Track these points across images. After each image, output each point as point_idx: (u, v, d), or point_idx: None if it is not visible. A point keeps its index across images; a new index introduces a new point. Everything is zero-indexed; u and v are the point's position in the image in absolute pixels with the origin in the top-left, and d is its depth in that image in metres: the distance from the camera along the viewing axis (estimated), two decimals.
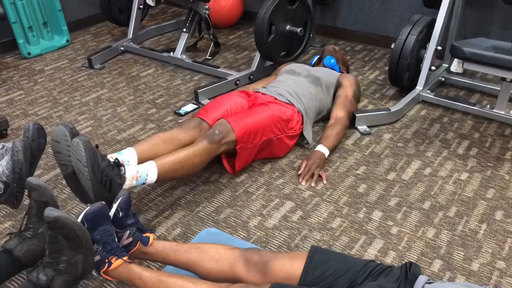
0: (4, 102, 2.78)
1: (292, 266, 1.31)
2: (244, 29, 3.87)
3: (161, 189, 2.04)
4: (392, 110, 2.51)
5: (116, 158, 1.66)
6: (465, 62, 2.26)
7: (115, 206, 1.43)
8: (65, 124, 1.58)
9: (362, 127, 2.45)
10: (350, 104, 2.41)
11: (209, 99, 2.76)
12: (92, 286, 1.57)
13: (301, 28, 2.82)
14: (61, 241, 1.26)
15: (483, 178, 2.09)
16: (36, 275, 1.28)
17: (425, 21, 2.63)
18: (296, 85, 2.33)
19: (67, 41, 3.56)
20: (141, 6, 3.40)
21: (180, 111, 2.65)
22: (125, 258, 1.34)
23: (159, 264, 1.61)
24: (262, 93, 2.28)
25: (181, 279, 1.31)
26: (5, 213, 1.90)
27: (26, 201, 1.55)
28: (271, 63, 2.97)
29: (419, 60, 2.69)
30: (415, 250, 1.72)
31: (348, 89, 2.45)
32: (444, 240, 1.76)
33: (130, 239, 1.42)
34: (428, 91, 2.70)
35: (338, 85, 2.47)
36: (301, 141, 2.29)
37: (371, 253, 1.71)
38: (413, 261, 1.65)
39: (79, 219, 1.33)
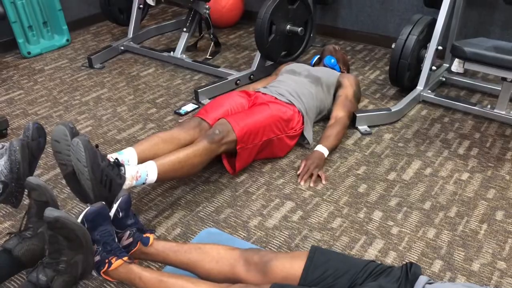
0: (4, 102, 2.78)
1: (292, 266, 1.31)
2: (245, 28, 3.87)
3: (161, 189, 2.04)
4: (392, 110, 2.50)
5: (116, 158, 1.66)
6: (466, 62, 2.26)
7: (115, 206, 1.43)
8: (65, 123, 1.58)
9: (363, 127, 2.45)
10: (350, 104, 2.41)
11: (209, 98, 2.76)
12: (92, 286, 1.57)
13: (301, 28, 2.82)
14: (61, 241, 1.25)
15: (483, 178, 2.09)
16: (36, 276, 1.27)
17: (425, 21, 2.62)
18: (297, 85, 2.32)
19: (67, 40, 3.55)
20: (141, 6, 3.40)
21: (180, 111, 2.64)
22: (125, 258, 1.34)
23: (159, 264, 1.61)
24: (263, 93, 2.28)
25: (181, 279, 1.31)
26: (4, 212, 1.90)
27: (26, 201, 1.55)
28: (272, 63, 2.97)
29: (420, 60, 2.69)
30: (415, 250, 1.72)
31: (348, 89, 2.44)
32: (444, 241, 1.76)
33: (130, 239, 1.41)
34: (429, 91, 2.69)
35: (339, 85, 2.47)
36: (301, 141, 2.29)
37: (371, 253, 1.71)
38: (414, 261, 1.65)
39: (79, 219, 1.33)
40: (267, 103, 2.16)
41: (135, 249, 1.41)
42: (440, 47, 2.61)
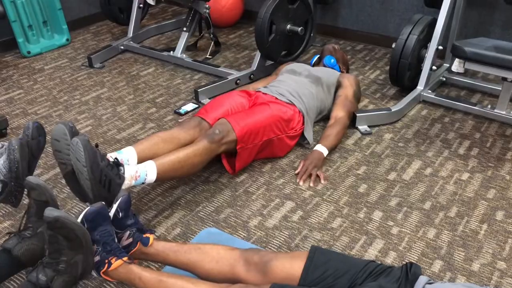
0: (3, 101, 2.78)
1: (292, 266, 1.31)
2: (245, 28, 3.87)
3: (161, 189, 2.03)
4: (393, 110, 2.50)
5: (116, 158, 1.66)
6: (466, 62, 2.26)
7: (115, 206, 1.43)
8: (65, 123, 1.58)
9: (363, 127, 2.45)
10: (350, 104, 2.41)
11: (209, 98, 2.75)
12: (92, 286, 1.56)
13: (301, 27, 2.81)
14: (61, 241, 1.25)
15: (484, 178, 2.09)
16: (36, 275, 1.27)
17: (426, 20, 2.62)
18: (297, 85, 2.32)
19: (67, 40, 3.55)
20: (141, 5, 3.39)
21: (180, 110, 2.64)
22: (125, 258, 1.34)
23: (159, 264, 1.61)
24: (263, 93, 2.27)
25: (181, 279, 1.30)
26: (4, 212, 1.89)
27: (25, 201, 1.55)
28: (272, 62, 2.97)
29: (420, 59, 2.68)
30: (415, 251, 1.72)
31: (348, 89, 2.44)
32: (444, 241, 1.76)
33: (130, 239, 1.41)
34: (429, 91, 2.69)
35: (339, 85, 2.47)
36: (301, 141, 2.28)
37: (371, 253, 1.71)
38: (414, 261, 1.64)
39: (79, 219, 1.33)
40: (267, 103, 2.15)
41: (135, 249, 1.41)
42: (440, 47, 2.61)
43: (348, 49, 3.47)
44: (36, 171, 2.12)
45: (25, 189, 1.45)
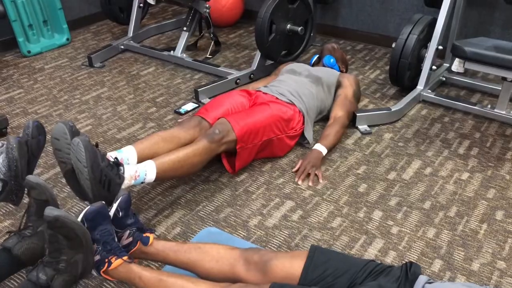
0: (4, 101, 2.78)
1: (292, 265, 1.31)
2: (245, 28, 3.87)
3: (161, 188, 2.04)
4: (392, 110, 2.50)
5: (116, 158, 1.66)
6: (466, 62, 2.26)
7: (115, 205, 1.43)
8: (65, 122, 1.58)
9: (363, 127, 2.45)
10: (350, 103, 2.41)
11: (209, 98, 2.75)
12: (92, 286, 1.57)
13: (301, 27, 2.81)
14: (61, 241, 1.25)
15: (483, 178, 2.09)
16: (36, 275, 1.27)
17: (426, 20, 2.62)
18: (297, 85, 2.32)
19: (67, 39, 3.55)
20: (141, 5, 3.39)
21: (180, 110, 2.64)
22: (125, 257, 1.34)
23: (159, 263, 1.61)
24: (264, 93, 2.27)
25: (181, 278, 1.31)
26: (4, 211, 1.90)
27: (26, 200, 1.55)
28: (272, 62, 2.97)
29: (420, 59, 2.68)
30: (415, 250, 1.72)
31: (348, 88, 2.44)
32: (444, 240, 1.76)
33: (130, 239, 1.41)
34: (429, 91, 2.69)
35: (338, 85, 2.47)
36: (301, 140, 2.28)
37: (371, 253, 1.71)
38: (414, 261, 1.65)
39: (79, 219, 1.33)
40: (267, 103, 2.15)
41: (135, 248, 1.41)
42: (440, 47, 2.61)
43: (348, 48, 3.47)
44: (36, 170, 2.12)
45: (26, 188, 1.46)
